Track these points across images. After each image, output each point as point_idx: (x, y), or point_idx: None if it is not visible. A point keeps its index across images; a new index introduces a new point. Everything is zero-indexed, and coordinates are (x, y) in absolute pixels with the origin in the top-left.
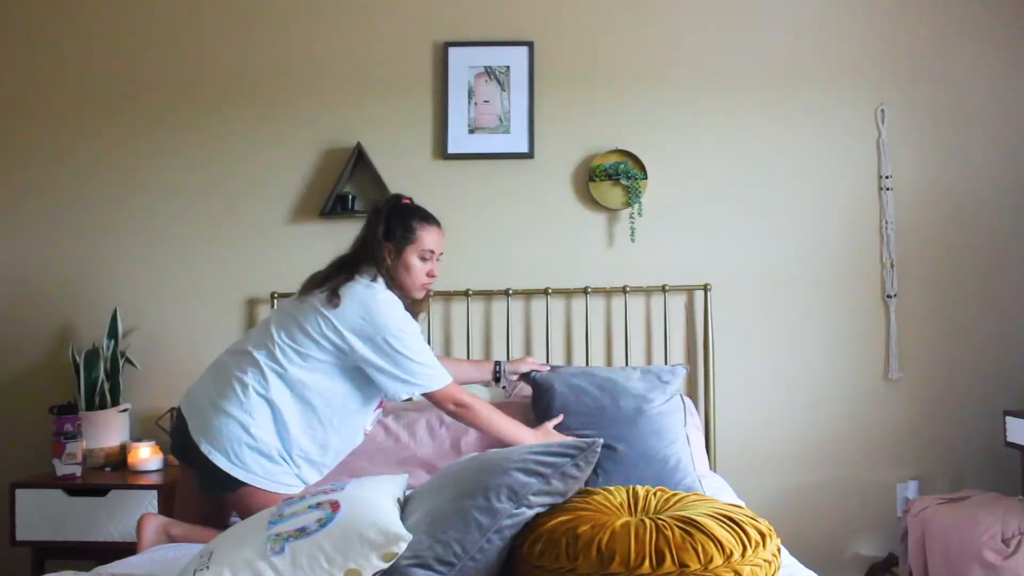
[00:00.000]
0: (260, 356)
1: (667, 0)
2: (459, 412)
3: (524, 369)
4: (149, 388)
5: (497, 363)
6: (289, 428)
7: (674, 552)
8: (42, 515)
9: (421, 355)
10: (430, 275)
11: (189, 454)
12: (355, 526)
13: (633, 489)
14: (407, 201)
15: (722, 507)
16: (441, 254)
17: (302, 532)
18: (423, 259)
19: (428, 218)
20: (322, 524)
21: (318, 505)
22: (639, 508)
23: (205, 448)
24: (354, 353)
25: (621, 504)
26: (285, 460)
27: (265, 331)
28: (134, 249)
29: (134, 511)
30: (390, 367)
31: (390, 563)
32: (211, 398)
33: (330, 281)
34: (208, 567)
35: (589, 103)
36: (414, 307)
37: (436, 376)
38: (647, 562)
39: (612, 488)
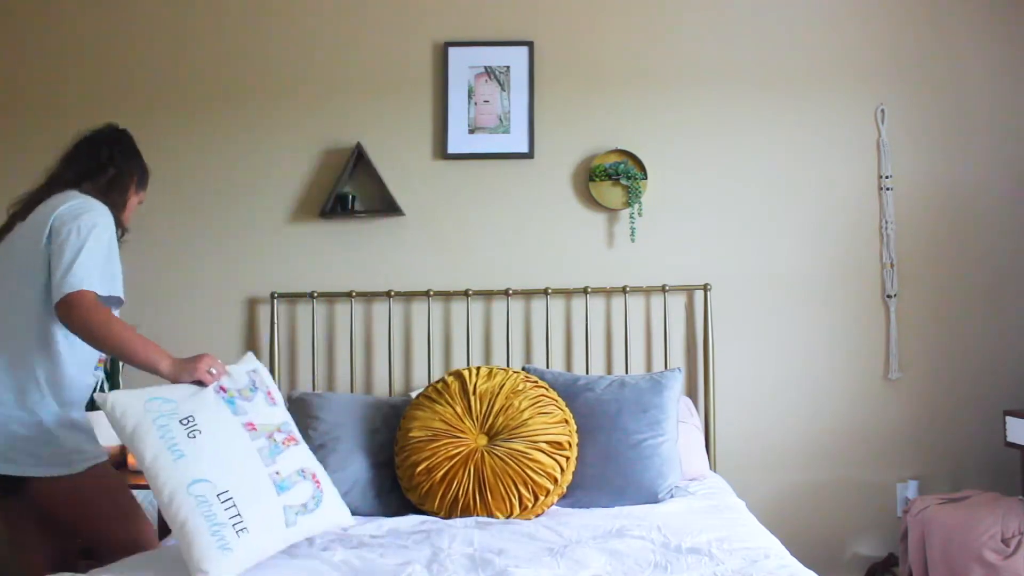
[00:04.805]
0: None
1: (667, 0)
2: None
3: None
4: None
5: None
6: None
7: None
8: None
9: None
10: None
11: None
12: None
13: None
14: None
15: None
16: None
17: (304, 508)
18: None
19: None
20: (317, 502)
21: (302, 473)
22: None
23: None
24: None
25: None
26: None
27: None
28: (134, 249)
29: None
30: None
31: None
32: None
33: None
34: (243, 522)
35: (589, 103)
36: None
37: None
38: None
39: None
